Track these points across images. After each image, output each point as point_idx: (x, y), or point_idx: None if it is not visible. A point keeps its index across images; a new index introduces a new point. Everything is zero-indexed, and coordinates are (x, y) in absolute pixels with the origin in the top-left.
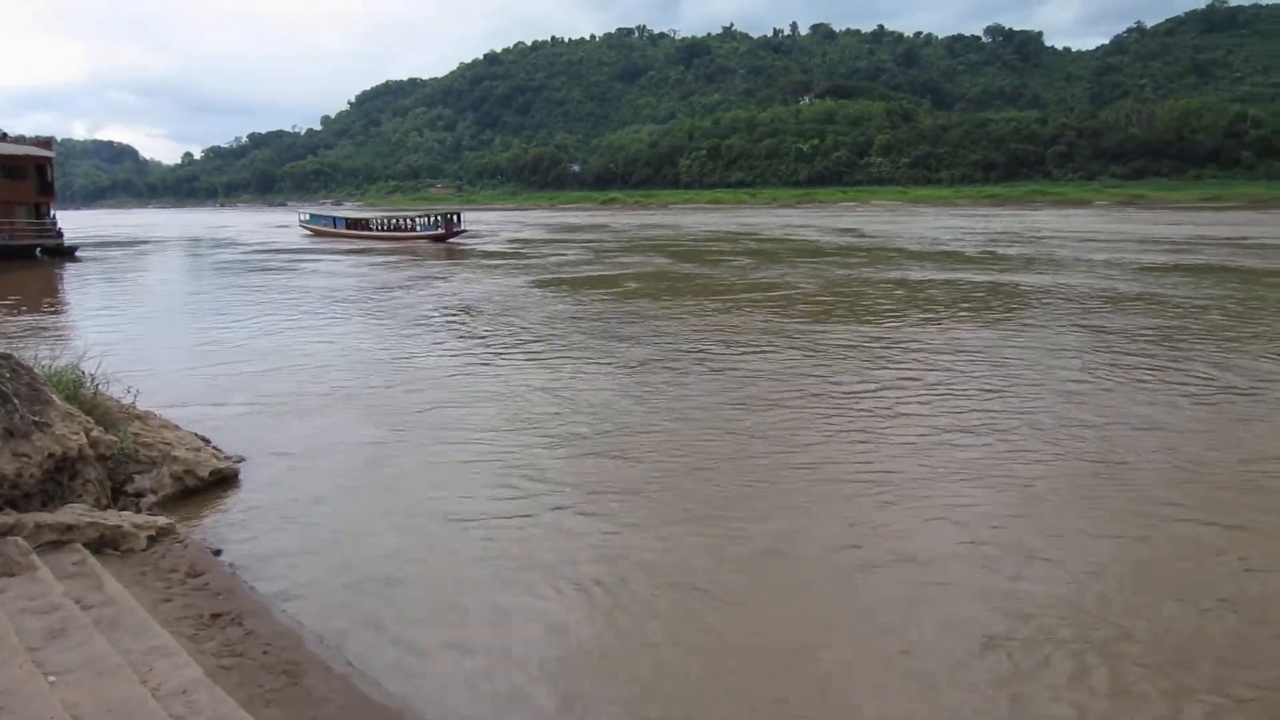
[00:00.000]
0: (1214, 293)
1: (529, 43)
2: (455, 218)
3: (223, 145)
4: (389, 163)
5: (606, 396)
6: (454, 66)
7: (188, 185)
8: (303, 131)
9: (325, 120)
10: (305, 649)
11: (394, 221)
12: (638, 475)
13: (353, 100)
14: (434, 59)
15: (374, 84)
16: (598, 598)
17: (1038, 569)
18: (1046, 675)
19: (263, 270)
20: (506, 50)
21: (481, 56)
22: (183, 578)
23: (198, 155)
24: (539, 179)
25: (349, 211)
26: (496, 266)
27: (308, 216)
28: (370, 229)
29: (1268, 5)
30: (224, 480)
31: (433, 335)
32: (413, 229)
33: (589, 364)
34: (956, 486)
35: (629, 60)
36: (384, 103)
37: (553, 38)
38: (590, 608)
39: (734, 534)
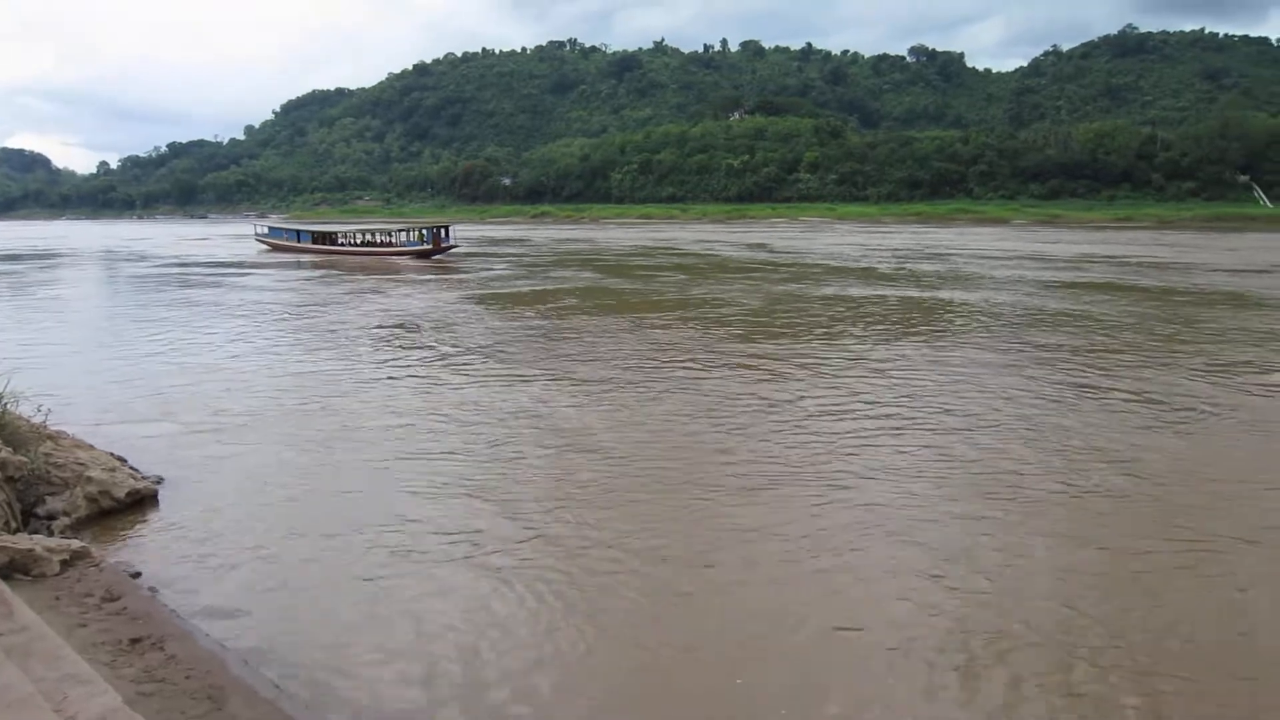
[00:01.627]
0: (1133, 309)
1: (459, 54)
2: (444, 232)
3: (141, 154)
4: (316, 174)
5: (539, 414)
6: (383, 77)
7: (104, 196)
8: (225, 141)
9: (249, 130)
10: (229, 673)
11: (368, 236)
12: (569, 493)
13: (278, 109)
14: (362, 69)
15: (300, 93)
16: (522, 616)
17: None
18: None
19: (185, 285)
20: (437, 61)
21: (411, 67)
22: (99, 602)
23: (115, 165)
24: (469, 192)
25: (307, 225)
26: (428, 281)
27: (265, 230)
28: (338, 244)
29: (1175, 32)
30: (142, 501)
31: (359, 352)
32: (390, 244)
33: (521, 382)
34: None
35: (561, 73)
36: (310, 112)
37: (484, 49)
38: (516, 626)
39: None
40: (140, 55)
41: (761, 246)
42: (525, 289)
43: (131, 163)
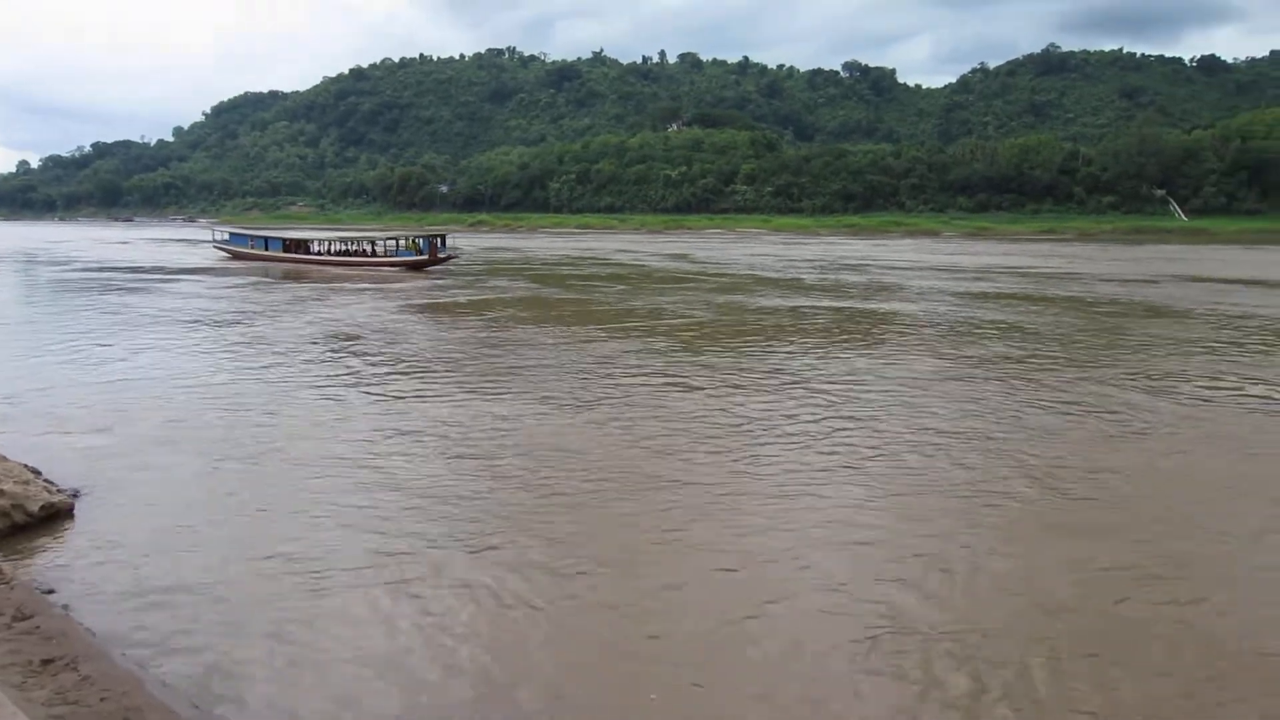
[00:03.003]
0: (1061, 320)
1: (397, 59)
2: (440, 241)
3: (64, 154)
4: (247, 178)
5: (476, 428)
6: (318, 80)
7: (23, 196)
8: (153, 142)
9: (178, 131)
10: (147, 693)
11: (352, 245)
12: (504, 511)
13: (208, 111)
14: (297, 71)
15: (232, 94)
16: (445, 639)
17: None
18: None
19: (112, 290)
20: (373, 66)
21: (347, 71)
22: (9, 621)
23: (35, 164)
24: (406, 199)
25: (277, 231)
26: (364, 290)
27: (226, 236)
28: (314, 253)
29: (1095, 52)
30: (57, 515)
31: (293, 364)
32: (374, 253)
33: (460, 395)
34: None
35: (499, 81)
36: (242, 115)
37: (421, 55)
38: (442, 648)
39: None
40: (63, 50)
41: (684, 257)
42: (463, 299)
43: (53, 162)
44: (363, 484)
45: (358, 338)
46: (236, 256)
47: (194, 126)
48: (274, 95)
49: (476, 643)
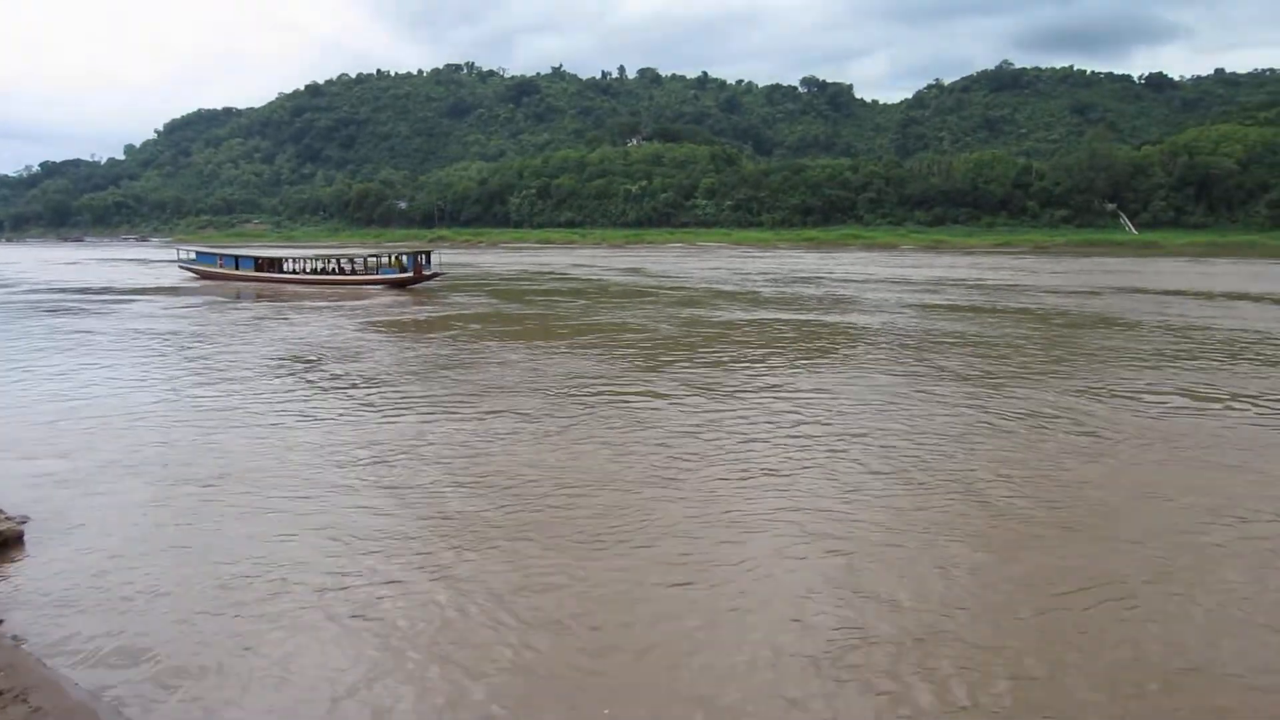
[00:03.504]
0: (1015, 331)
1: (354, 74)
2: (425, 258)
3: (11, 174)
4: (201, 196)
5: (431, 447)
6: (273, 96)
7: None
8: (104, 161)
9: (129, 149)
10: None
11: (331, 263)
12: (460, 533)
13: (161, 129)
14: (252, 88)
15: (185, 112)
16: (405, 660)
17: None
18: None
19: (62, 313)
20: (330, 82)
21: (303, 87)
22: None
23: None
24: (364, 216)
25: (248, 250)
26: (321, 309)
27: (193, 255)
28: (289, 271)
29: (1047, 69)
30: (6, 543)
31: (250, 386)
32: (355, 271)
33: (419, 414)
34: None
35: (458, 97)
36: (196, 132)
37: (378, 70)
38: (404, 670)
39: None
40: (9, 68)
41: (640, 271)
42: (422, 316)
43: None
44: (325, 507)
45: (316, 359)
46: (204, 276)
47: (146, 144)
48: (228, 112)
49: (437, 660)
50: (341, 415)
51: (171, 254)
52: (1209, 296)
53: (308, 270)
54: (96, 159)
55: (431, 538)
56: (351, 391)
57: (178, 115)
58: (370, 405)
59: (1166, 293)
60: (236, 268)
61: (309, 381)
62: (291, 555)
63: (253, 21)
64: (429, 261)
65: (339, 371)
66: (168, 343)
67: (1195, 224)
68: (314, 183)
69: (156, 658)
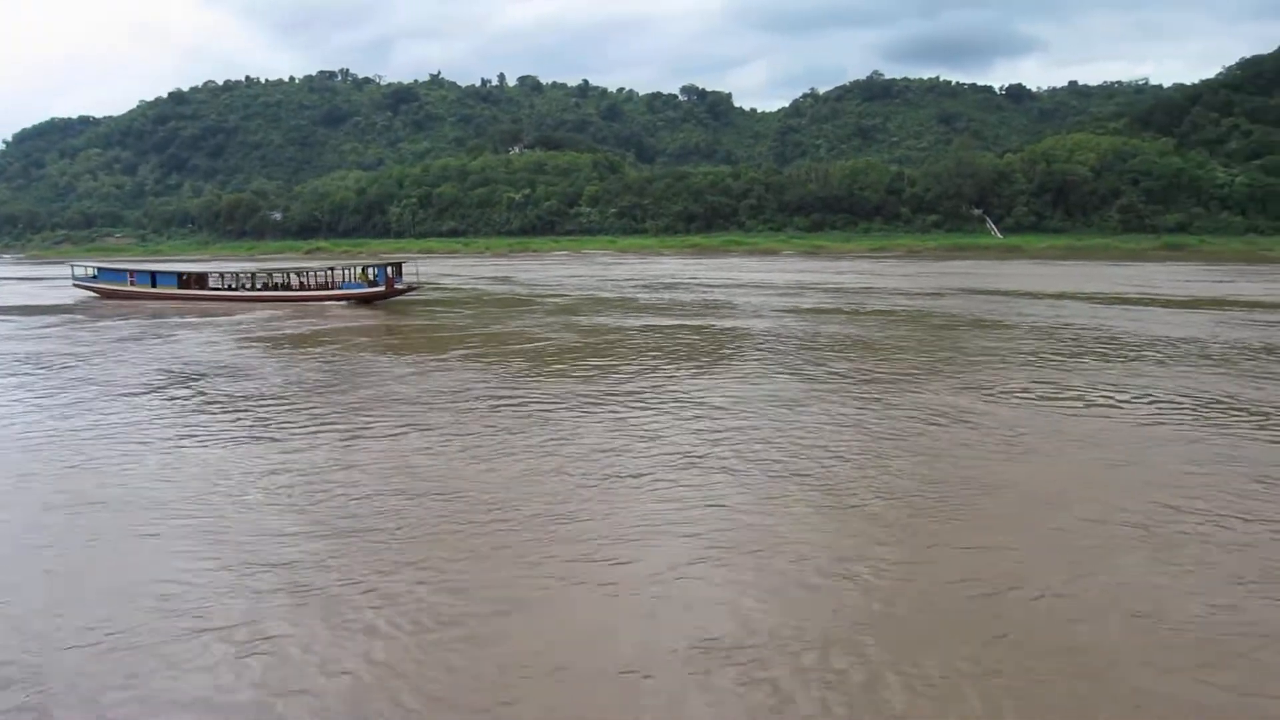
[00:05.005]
0: (894, 333)
1: (220, 81)
2: (397, 270)
3: None
4: (56, 209)
5: (314, 467)
6: (134, 105)
7: None
8: None
9: None
10: None
11: (277, 277)
12: (357, 548)
13: (9, 139)
14: (111, 96)
15: (38, 120)
16: (299, 685)
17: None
18: None
19: None
20: (195, 89)
21: (166, 94)
22: None
23: None
24: (235, 228)
25: (165, 264)
26: (198, 325)
27: (92, 272)
28: (225, 288)
29: (915, 79)
30: None
31: (119, 407)
32: (310, 286)
33: (295, 432)
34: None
35: (332, 104)
36: (50, 142)
37: (247, 77)
38: (301, 691)
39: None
40: None
41: (508, 279)
42: (305, 330)
43: None
44: (196, 530)
45: (197, 377)
46: (109, 296)
47: None
48: (85, 121)
49: (333, 682)
50: (209, 438)
51: (57, 271)
52: (1058, 298)
53: (251, 286)
54: None
55: (308, 560)
56: (224, 412)
57: (29, 124)
58: (243, 426)
59: (1024, 294)
60: (154, 285)
61: (184, 401)
62: (163, 588)
63: (109, 26)
64: (399, 274)
65: (215, 391)
66: (44, 363)
67: (1054, 228)
68: (180, 194)
69: (20, 685)
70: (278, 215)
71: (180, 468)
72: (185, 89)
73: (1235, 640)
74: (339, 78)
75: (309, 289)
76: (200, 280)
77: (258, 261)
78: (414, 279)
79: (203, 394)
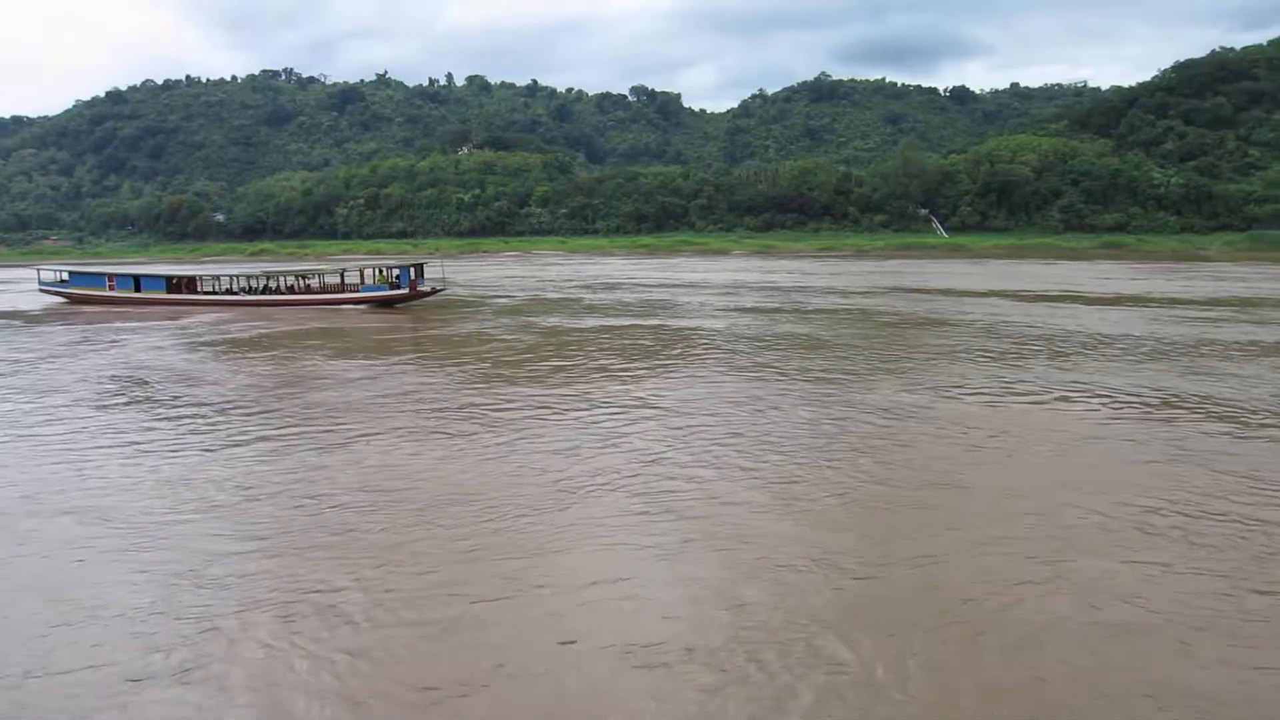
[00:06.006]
0: (841, 331)
1: (160, 81)
2: (419, 271)
3: None
4: None
5: (269, 474)
6: (70, 104)
7: None
8: None
9: None
10: None
11: (283, 280)
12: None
13: None
14: (44, 95)
15: None
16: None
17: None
18: None
19: None
20: (134, 88)
21: (104, 94)
22: None
23: None
24: (177, 229)
25: (148, 267)
26: (146, 329)
27: (63, 276)
28: (220, 291)
29: (861, 80)
30: None
31: (60, 414)
32: (324, 288)
33: (245, 439)
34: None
35: (277, 104)
36: None
37: (188, 77)
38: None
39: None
40: None
41: (470, 282)
42: (257, 333)
43: None
44: (137, 543)
45: (144, 384)
46: (82, 302)
47: None
48: (19, 121)
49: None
50: (155, 447)
51: (5, 275)
52: (996, 295)
53: (252, 289)
54: None
55: (255, 570)
56: (181, 421)
57: None
58: (195, 434)
59: (965, 293)
60: (137, 289)
61: (128, 408)
62: (103, 599)
63: (42, 23)
64: (422, 276)
65: (165, 398)
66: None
67: (998, 227)
68: (119, 195)
69: None
70: (221, 217)
71: (138, 477)
72: (123, 88)
73: (1184, 620)
74: (283, 77)
75: (315, 292)
76: (190, 284)
77: (253, 263)
78: (439, 281)
79: (152, 401)
